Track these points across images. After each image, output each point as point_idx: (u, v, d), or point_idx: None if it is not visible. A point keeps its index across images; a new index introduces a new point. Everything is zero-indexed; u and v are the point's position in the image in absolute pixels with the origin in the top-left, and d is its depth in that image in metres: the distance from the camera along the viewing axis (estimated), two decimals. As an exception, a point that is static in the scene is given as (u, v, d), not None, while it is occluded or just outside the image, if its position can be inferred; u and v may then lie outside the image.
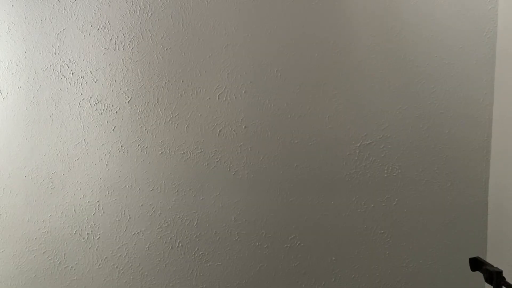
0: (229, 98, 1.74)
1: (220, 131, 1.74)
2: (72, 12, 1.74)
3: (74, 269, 1.80)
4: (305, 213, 1.76)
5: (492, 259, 1.72)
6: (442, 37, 1.72)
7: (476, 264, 1.23)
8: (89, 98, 1.76)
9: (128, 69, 1.74)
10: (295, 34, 1.72)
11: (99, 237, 1.78)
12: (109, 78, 1.75)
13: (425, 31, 1.72)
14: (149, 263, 1.78)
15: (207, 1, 1.73)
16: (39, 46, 1.75)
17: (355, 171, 1.75)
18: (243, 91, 1.74)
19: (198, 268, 1.78)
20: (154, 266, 1.78)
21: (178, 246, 1.78)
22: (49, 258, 1.80)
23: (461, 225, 1.76)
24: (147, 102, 1.75)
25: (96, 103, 1.75)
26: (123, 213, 1.77)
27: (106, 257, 1.79)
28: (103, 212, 1.78)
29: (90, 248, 1.79)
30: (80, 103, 1.76)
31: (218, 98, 1.74)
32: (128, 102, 1.75)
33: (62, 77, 1.76)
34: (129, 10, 1.73)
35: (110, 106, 1.75)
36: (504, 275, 1.16)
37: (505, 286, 1.13)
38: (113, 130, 1.76)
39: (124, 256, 1.78)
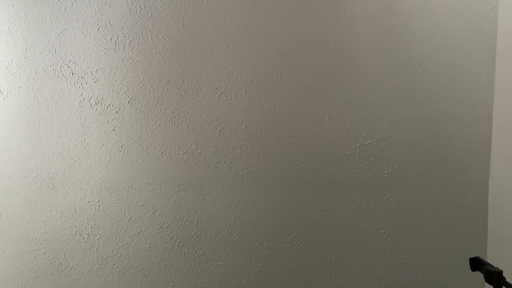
0: (229, 98, 1.74)
1: (220, 131, 1.75)
2: (72, 12, 1.74)
3: (74, 269, 1.80)
4: (305, 213, 1.76)
5: (492, 259, 1.72)
6: (442, 37, 1.72)
7: (476, 264, 1.23)
8: (89, 98, 1.76)
9: (128, 69, 1.74)
10: (295, 34, 1.72)
11: (99, 237, 1.78)
12: (109, 78, 1.75)
13: (425, 31, 1.72)
14: (149, 263, 1.78)
15: (207, 1, 1.73)
16: (39, 46, 1.75)
17: (355, 171, 1.75)
18: (243, 91, 1.74)
19: (198, 268, 1.78)
20: (154, 266, 1.78)
21: (178, 246, 1.78)
22: (49, 258, 1.80)
23: (461, 225, 1.76)
24: (147, 102, 1.75)
25: (96, 103, 1.75)
26: (123, 213, 1.77)
27: (106, 257, 1.79)
28: (103, 212, 1.78)
29: (90, 248, 1.79)
30: (80, 103, 1.76)
31: (218, 98, 1.74)
32: (128, 102, 1.75)
33: (62, 77, 1.76)
34: (129, 10, 1.73)
35: (110, 106, 1.75)
36: (504, 275, 1.16)
37: (505, 286, 1.13)
38: (113, 130, 1.76)
39: (124, 256, 1.78)
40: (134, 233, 1.78)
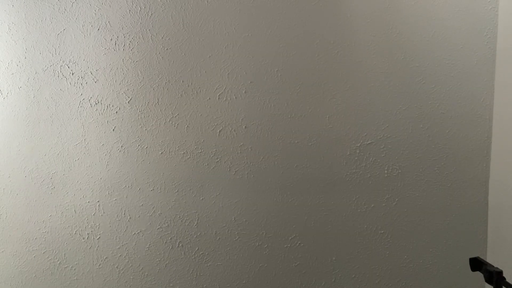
0: (229, 98, 1.74)
1: (220, 131, 1.75)
2: (72, 12, 1.74)
3: (74, 269, 1.80)
4: (305, 213, 1.76)
5: (492, 259, 1.72)
6: (442, 37, 1.72)
7: (476, 264, 1.23)
8: (89, 98, 1.76)
9: (128, 69, 1.74)
10: (295, 34, 1.72)
11: (99, 237, 1.78)
12: (109, 78, 1.75)
13: (425, 31, 1.72)
14: (149, 263, 1.78)
15: (207, 1, 1.73)
16: (39, 46, 1.75)
17: (355, 171, 1.75)
18: (243, 91, 1.74)
19: (198, 268, 1.78)
20: (154, 266, 1.78)
21: (178, 246, 1.78)
22: (49, 258, 1.80)
23: (461, 225, 1.76)
24: (147, 102, 1.75)
25: (96, 103, 1.75)
26: (123, 213, 1.77)
27: (106, 257, 1.79)
28: (103, 212, 1.78)
29: (90, 248, 1.79)
30: (80, 103, 1.76)
31: (218, 98, 1.74)
32: (128, 102, 1.75)
33: (62, 77, 1.76)
34: (129, 10, 1.73)
35: (110, 106, 1.75)
36: (504, 275, 1.16)
37: (505, 286, 1.13)
38: (113, 130, 1.76)
39: (124, 256, 1.78)
40: (134, 233, 1.78)
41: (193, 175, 1.76)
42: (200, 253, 1.78)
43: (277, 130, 1.74)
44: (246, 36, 1.73)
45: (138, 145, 1.76)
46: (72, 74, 1.75)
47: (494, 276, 1.15)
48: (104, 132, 1.76)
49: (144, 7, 1.73)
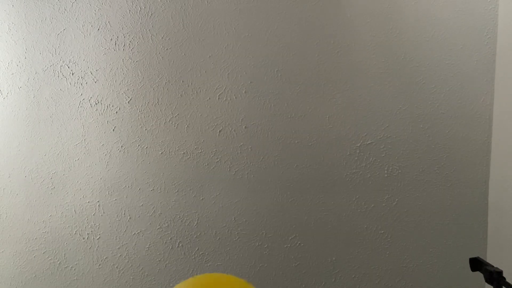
0: (229, 98, 1.74)
1: (220, 131, 1.75)
2: (72, 12, 1.74)
3: (74, 269, 1.80)
4: (305, 213, 1.76)
5: (492, 259, 1.72)
6: (442, 37, 1.72)
7: (476, 264, 1.23)
8: (89, 98, 1.76)
9: (128, 69, 1.74)
10: (295, 34, 1.72)
11: (99, 237, 1.78)
12: (109, 78, 1.75)
13: (425, 31, 1.72)
14: (149, 263, 1.78)
15: (207, 1, 1.73)
16: (39, 46, 1.75)
17: (355, 171, 1.75)
18: (243, 91, 1.74)
19: (198, 268, 1.78)
20: (154, 266, 1.78)
21: (178, 246, 1.78)
22: (49, 258, 1.80)
23: (461, 225, 1.76)
24: (147, 102, 1.75)
25: (96, 103, 1.75)
26: (123, 213, 1.77)
27: (106, 257, 1.79)
28: (103, 212, 1.78)
29: (90, 248, 1.79)
30: (80, 103, 1.76)
31: (218, 98, 1.74)
32: (128, 102, 1.75)
33: (62, 77, 1.76)
34: (129, 10, 1.73)
35: (110, 106, 1.75)
36: (504, 275, 1.16)
37: (505, 286, 1.13)
38: (113, 130, 1.76)
39: (124, 256, 1.78)
40: (134, 233, 1.78)
41: (193, 175, 1.76)
42: (200, 253, 1.78)
43: (277, 130, 1.74)
44: (246, 36, 1.73)
45: (138, 145, 1.76)
46: (72, 74, 1.75)
47: (494, 276, 1.15)
48: (104, 132, 1.76)
49: (144, 7, 1.73)
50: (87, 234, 1.79)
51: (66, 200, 1.78)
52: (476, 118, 1.74)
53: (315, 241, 1.77)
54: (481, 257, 1.49)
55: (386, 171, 1.75)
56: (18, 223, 1.80)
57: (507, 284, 1.13)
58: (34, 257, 1.80)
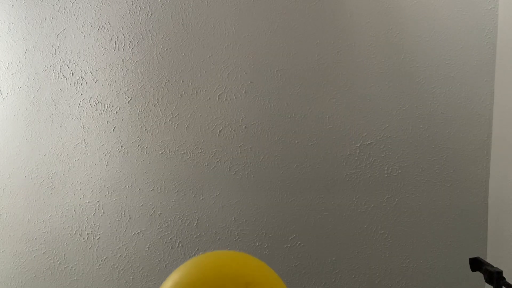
0: (229, 98, 1.74)
1: (220, 131, 1.75)
2: (72, 12, 1.74)
3: (74, 269, 1.80)
4: (305, 213, 1.76)
5: (492, 259, 1.72)
6: (442, 37, 1.72)
7: (476, 264, 1.23)
8: (89, 98, 1.76)
9: (128, 69, 1.74)
10: (295, 34, 1.72)
11: (99, 237, 1.78)
12: (109, 78, 1.75)
13: (425, 31, 1.72)
14: (149, 263, 1.78)
15: (207, 1, 1.73)
16: (39, 46, 1.75)
17: (355, 171, 1.75)
18: (243, 91, 1.74)
19: (198, 268, 1.78)
20: (154, 266, 1.78)
21: (178, 246, 1.78)
22: (49, 258, 1.80)
23: (461, 225, 1.76)
24: (147, 102, 1.75)
25: (96, 103, 1.76)
26: (123, 213, 1.77)
27: (106, 257, 1.79)
28: (103, 212, 1.78)
29: (90, 248, 1.79)
30: (80, 103, 1.76)
31: (218, 98, 1.74)
32: (128, 102, 1.75)
33: (62, 77, 1.76)
34: (129, 11, 1.73)
35: (110, 106, 1.75)
36: (504, 275, 1.16)
37: (505, 286, 1.13)
38: (113, 130, 1.76)
39: (124, 256, 1.78)
40: (134, 233, 1.78)
41: (193, 175, 1.76)
42: (200, 253, 1.78)
43: (277, 130, 1.74)
44: (246, 36, 1.73)
45: (138, 145, 1.76)
46: (72, 74, 1.75)
47: (494, 276, 1.15)
48: (104, 132, 1.76)
49: (144, 7, 1.73)
50: (87, 234, 1.79)
51: (66, 200, 1.78)
52: (476, 118, 1.74)
53: (315, 241, 1.77)
54: (481, 257, 1.49)
55: (386, 171, 1.75)
56: (18, 223, 1.80)
57: (507, 284, 1.13)
58: (34, 257, 1.80)
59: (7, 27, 1.76)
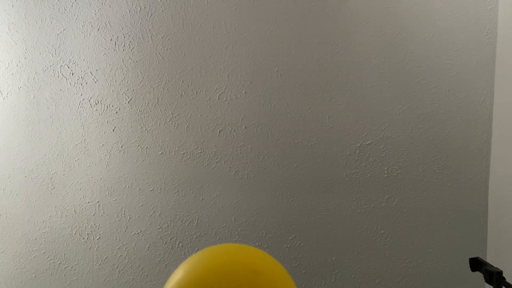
0: (229, 98, 1.74)
1: (220, 131, 1.75)
2: (72, 12, 1.74)
3: (74, 269, 1.80)
4: (305, 213, 1.76)
5: (492, 259, 1.72)
6: (442, 37, 1.72)
7: (476, 264, 1.23)
8: (89, 99, 1.76)
9: (128, 69, 1.74)
10: (295, 34, 1.72)
11: (99, 237, 1.78)
12: (109, 78, 1.75)
13: (425, 31, 1.71)
14: (149, 263, 1.78)
15: (207, 1, 1.73)
16: (39, 46, 1.75)
17: (355, 171, 1.75)
18: (243, 91, 1.74)
19: (198, 268, 1.78)
20: (154, 266, 1.78)
21: (178, 246, 1.78)
22: (49, 258, 1.80)
23: (461, 225, 1.76)
24: (147, 102, 1.75)
25: (96, 104, 1.75)
26: (123, 213, 1.77)
27: (106, 257, 1.79)
28: (103, 212, 1.78)
29: (90, 248, 1.79)
30: (80, 104, 1.76)
31: (218, 98, 1.74)
32: (128, 102, 1.75)
33: (62, 77, 1.76)
34: (129, 11, 1.73)
35: (110, 106, 1.75)
36: (504, 275, 1.16)
37: (505, 286, 1.13)
38: (113, 130, 1.76)
39: (124, 256, 1.78)
40: (134, 233, 1.78)
41: (193, 175, 1.76)
42: (200, 253, 1.77)
43: (277, 130, 1.74)
44: (246, 36, 1.73)
45: (138, 145, 1.76)
46: (72, 74, 1.75)
47: (494, 276, 1.15)
48: (104, 132, 1.76)
49: (144, 7, 1.73)
50: (87, 234, 1.79)
51: (66, 200, 1.78)
52: (476, 118, 1.74)
53: (315, 241, 1.77)
54: (481, 257, 1.49)
55: (386, 171, 1.75)
56: (18, 223, 1.80)
57: (507, 284, 1.12)
58: (34, 257, 1.80)
59: (7, 27, 1.76)
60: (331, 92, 1.73)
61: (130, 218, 1.78)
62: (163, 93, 1.74)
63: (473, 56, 1.72)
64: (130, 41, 1.74)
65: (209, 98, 1.74)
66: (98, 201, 1.77)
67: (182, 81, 1.74)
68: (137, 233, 1.78)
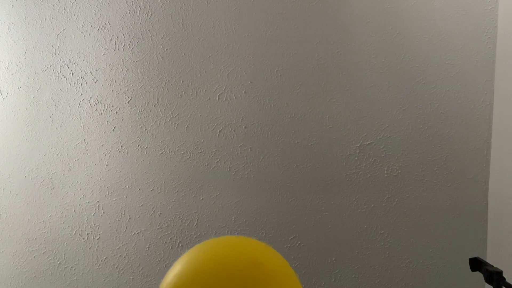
0: (229, 98, 1.74)
1: (220, 131, 1.75)
2: (72, 12, 1.74)
3: (74, 269, 1.80)
4: (305, 213, 1.76)
5: (492, 259, 1.72)
6: (442, 37, 1.72)
7: (476, 264, 1.23)
8: (89, 99, 1.76)
9: (128, 69, 1.74)
10: (295, 34, 1.72)
11: (99, 237, 1.78)
12: (109, 78, 1.75)
13: (425, 31, 1.72)
14: (149, 263, 1.78)
15: (207, 1, 1.73)
16: (39, 46, 1.75)
17: (355, 171, 1.75)
18: (243, 91, 1.74)
19: (198, 268, 1.78)
20: (154, 266, 1.78)
21: (178, 246, 1.78)
22: (49, 258, 1.80)
23: (461, 225, 1.76)
24: (147, 102, 1.75)
25: (96, 104, 1.75)
26: (123, 213, 1.77)
27: (106, 257, 1.79)
28: (103, 212, 1.78)
29: (90, 248, 1.79)
30: (80, 104, 1.76)
31: (218, 98, 1.74)
32: (128, 102, 1.75)
33: (62, 77, 1.76)
34: (129, 11, 1.73)
35: (110, 106, 1.75)
36: (504, 275, 1.16)
37: (505, 286, 1.13)
38: (113, 130, 1.76)
39: (124, 256, 1.78)
40: (134, 233, 1.78)
41: (193, 175, 1.75)
42: (200, 253, 1.77)
43: (277, 130, 1.74)
44: (246, 36, 1.73)
45: (138, 145, 1.76)
46: (72, 74, 1.75)
47: (494, 276, 1.15)
48: (104, 132, 1.76)
49: (144, 7, 1.73)
50: (87, 234, 1.79)
51: (66, 200, 1.78)
52: (476, 118, 1.74)
53: (315, 241, 1.77)
54: (481, 257, 1.49)
55: (386, 171, 1.75)
56: (18, 223, 1.80)
57: (507, 284, 1.12)
58: (34, 257, 1.80)
59: (7, 27, 1.76)
60: (331, 92, 1.73)
61: (130, 218, 1.78)
62: (163, 93, 1.74)
63: (473, 56, 1.72)
64: (130, 41, 1.74)
65: (209, 98, 1.74)
66: (98, 201, 1.77)
67: (182, 81, 1.74)
68: (137, 233, 1.78)
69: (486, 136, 1.74)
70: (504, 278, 1.14)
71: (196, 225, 1.77)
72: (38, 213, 1.79)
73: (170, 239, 1.77)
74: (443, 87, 1.73)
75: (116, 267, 1.79)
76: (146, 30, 1.73)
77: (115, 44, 1.74)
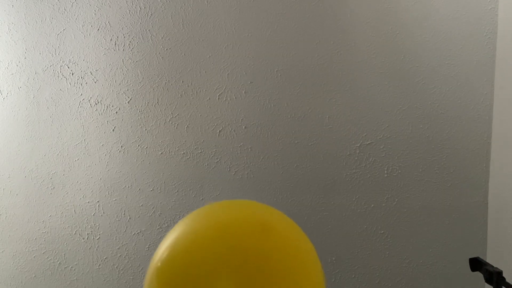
0: (229, 98, 1.74)
1: (220, 131, 1.74)
2: (72, 12, 1.74)
3: (74, 269, 1.80)
4: (305, 213, 1.76)
5: (492, 259, 1.72)
6: (442, 37, 1.72)
7: (476, 264, 1.23)
8: (89, 99, 1.76)
9: (128, 69, 1.74)
10: (295, 34, 1.72)
11: (99, 237, 1.78)
12: (109, 79, 1.75)
13: (425, 31, 1.71)
14: (149, 263, 1.78)
15: (207, 1, 1.73)
16: (39, 46, 1.75)
17: (355, 171, 1.75)
18: (243, 91, 1.74)
19: (198, 268, 1.78)
20: (154, 266, 1.78)
21: (178, 246, 1.77)
22: (49, 258, 1.80)
23: (461, 225, 1.76)
24: (147, 102, 1.75)
25: (96, 104, 1.75)
26: (123, 213, 1.77)
27: (106, 257, 1.79)
28: (103, 212, 1.78)
29: (90, 248, 1.79)
30: (80, 104, 1.76)
31: (218, 98, 1.74)
32: (128, 102, 1.75)
33: (62, 77, 1.76)
34: (129, 11, 1.73)
35: (110, 106, 1.75)
36: (504, 275, 1.16)
37: (505, 286, 1.13)
38: (113, 130, 1.76)
39: (124, 256, 1.78)
40: (134, 233, 1.78)
41: (193, 175, 1.75)
42: (200, 253, 1.77)
43: (277, 130, 1.74)
44: (246, 36, 1.73)
45: (138, 145, 1.76)
46: (72, 74, 1.75)
47: (494, 276, 1.15)
48: (104, 132, 1.76)
49: (144, 7, 1.73)
50: (87, 234, 1.79)
51: (66, 200, 1.78)
52: (476, 118, 1.74)
53: (315, 241, 1.76)
54: (481, 257, 1.49)
55: (386, 171, 1.75)
56: (18, 223, 1.80)
57: (507, 284, 1.12)
58: (34, 257, 1.80)
59: (7, 27, 1.76)
60: (331, 92, 1.73)
61: (130, 218, 1.77)
62: (163, 93, 1.74)
63: (473, 56, 1.72)
64: (130, 41, 1.73)
65: (209, 98, 1.74)
66: (98, 201, 1.77)
67: (182, 81, 1.74)
68: (137, 233, 1.78)
69: (486, 136, 1.74)
70: (504, 278, 1.14)
71: (196, 225, 1.76)
72: (38, 213, 1.79)
73: (170, 239, 1.77)
74: (443, 87, 1.73)
75: (116, 267, 1.79)
76: (146, 30, 1.73)
77: (115, 44, 1.74)
